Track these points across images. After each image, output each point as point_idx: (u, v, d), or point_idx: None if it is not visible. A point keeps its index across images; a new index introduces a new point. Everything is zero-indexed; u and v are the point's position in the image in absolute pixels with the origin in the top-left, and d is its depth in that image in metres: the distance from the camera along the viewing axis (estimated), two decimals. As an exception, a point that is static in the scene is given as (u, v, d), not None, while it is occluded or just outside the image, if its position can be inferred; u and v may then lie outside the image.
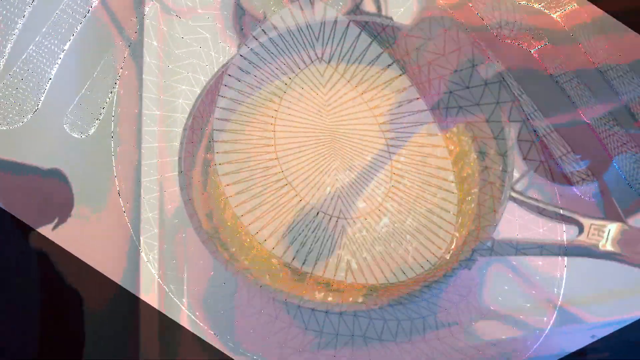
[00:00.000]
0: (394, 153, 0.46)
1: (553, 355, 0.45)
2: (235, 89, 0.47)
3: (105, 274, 0.42)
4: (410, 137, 0.46)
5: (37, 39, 0.41)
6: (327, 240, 0.44)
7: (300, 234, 0.44)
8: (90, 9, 0.42)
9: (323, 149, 0.46)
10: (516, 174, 0.45)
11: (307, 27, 0.47)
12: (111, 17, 0.48)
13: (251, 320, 0.44)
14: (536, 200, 0.41)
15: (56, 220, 0.39)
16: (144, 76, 0.52)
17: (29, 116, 0.40)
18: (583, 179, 0.46)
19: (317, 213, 0.44)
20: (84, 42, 0.44)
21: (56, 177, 0.40)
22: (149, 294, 0.45)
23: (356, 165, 0.46)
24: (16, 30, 0.41)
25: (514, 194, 0.41)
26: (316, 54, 0.48)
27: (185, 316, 0.46)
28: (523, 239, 0.40)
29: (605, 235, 0.37)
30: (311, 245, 0.43)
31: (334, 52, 0.48)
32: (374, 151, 0.46)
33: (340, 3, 0.51)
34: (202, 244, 0.39)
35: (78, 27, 0.41)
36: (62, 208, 0.40)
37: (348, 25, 0.46)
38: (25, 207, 0.38)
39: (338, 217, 0.45)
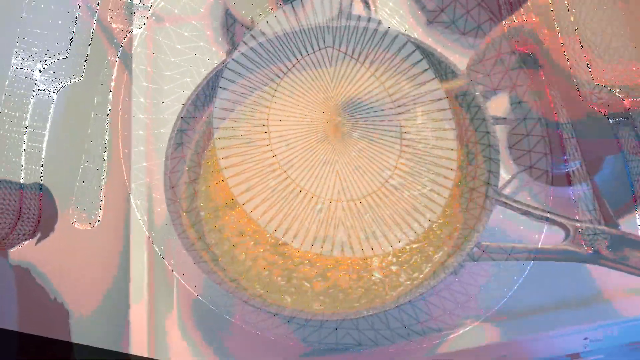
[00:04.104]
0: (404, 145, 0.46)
1: (546, 359, 0.45)
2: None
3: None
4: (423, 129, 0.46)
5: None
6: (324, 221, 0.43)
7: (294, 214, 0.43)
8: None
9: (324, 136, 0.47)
10: (506, 175, 0.45)
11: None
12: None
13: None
14: (523, 204, 0.41)
15: (38, 236, 0.39)
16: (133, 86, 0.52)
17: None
18: (580, 180, 0.46)
19: (318, 200, 0.44)
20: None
21: (36, 190, 0.40)
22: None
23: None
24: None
25: (501, 198, 0.41)
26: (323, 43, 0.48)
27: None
28: (508, 244, 0.39)
29: (590, 239, 0.37)
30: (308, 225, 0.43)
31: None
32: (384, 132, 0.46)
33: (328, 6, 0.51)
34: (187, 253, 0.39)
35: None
36: (45, 222, 0.40)
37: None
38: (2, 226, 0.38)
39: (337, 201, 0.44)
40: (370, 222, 0.43)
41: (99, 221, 0.42)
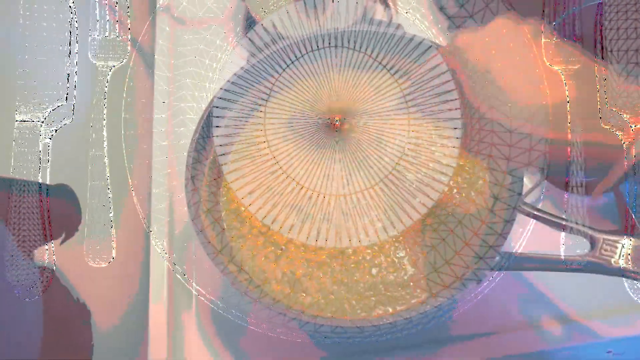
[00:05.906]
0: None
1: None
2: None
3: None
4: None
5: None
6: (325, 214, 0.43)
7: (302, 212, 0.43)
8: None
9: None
10: (527, 184, 0.44)
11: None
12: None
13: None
14: (546, 213, 0.40)
15: (63, 236, 0.40)
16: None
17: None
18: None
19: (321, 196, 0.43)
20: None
21: (61, 192, 0.41)
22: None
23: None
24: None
25: (524, 207, 0.40)
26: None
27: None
28: (532, 253, 0.39)
29: (617, 251, 0.36)
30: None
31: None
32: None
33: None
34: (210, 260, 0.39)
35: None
36: (69, 223, 0.40)
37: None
38: (31, 226, 0.39)
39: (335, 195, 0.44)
40: (371, 213, 0.42)
41: (113, 258, 0.43)
